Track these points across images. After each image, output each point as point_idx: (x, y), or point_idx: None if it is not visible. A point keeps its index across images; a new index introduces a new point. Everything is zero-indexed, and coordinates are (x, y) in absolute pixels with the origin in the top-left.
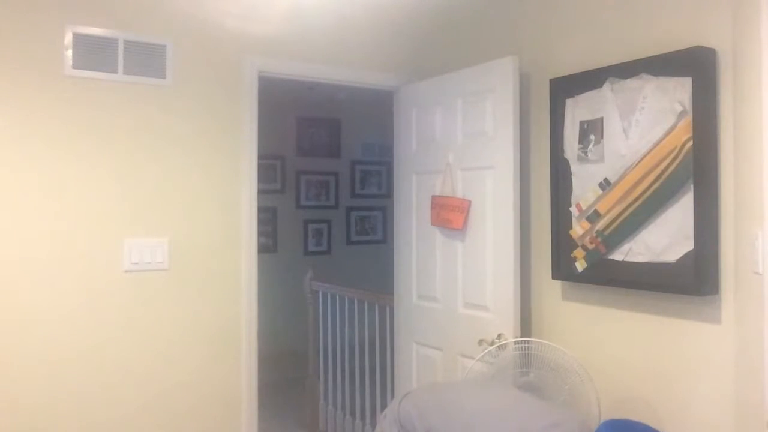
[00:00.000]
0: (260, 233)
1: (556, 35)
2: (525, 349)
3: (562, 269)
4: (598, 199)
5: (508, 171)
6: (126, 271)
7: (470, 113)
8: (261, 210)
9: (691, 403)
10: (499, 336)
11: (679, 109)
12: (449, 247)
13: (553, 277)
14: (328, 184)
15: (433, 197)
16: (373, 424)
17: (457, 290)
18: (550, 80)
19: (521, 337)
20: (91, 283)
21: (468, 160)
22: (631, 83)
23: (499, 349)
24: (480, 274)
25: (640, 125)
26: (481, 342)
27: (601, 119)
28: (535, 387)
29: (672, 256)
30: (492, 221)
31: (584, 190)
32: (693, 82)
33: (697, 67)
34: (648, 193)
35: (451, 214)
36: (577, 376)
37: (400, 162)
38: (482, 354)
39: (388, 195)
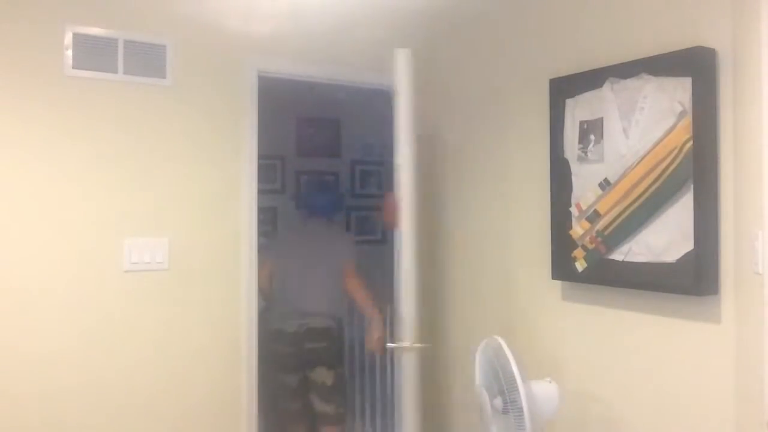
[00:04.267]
0: (260, 233)
1: (556, 35)
2: (486, 346)
3: (561, 269)
4: (598, 199)
5: (406, 168)
6: (126, 271)
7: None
8: (261, 210)
9: (691, 403)
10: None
11: (679, 109)
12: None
13: (553, 277)
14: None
15: (385, 194)
16: (374, 425)
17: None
18: (550, 80)
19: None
20: (91, 283)
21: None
22: (631, 83)
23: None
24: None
25: (640, 125)
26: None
27: (601, 119)
28: (491, 387)
29: (672, 256)
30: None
31: (584, 190)
32: (693, 82)
33: (697, 67)
34: (648, 193)
35: (390, 213)
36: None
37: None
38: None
39: None
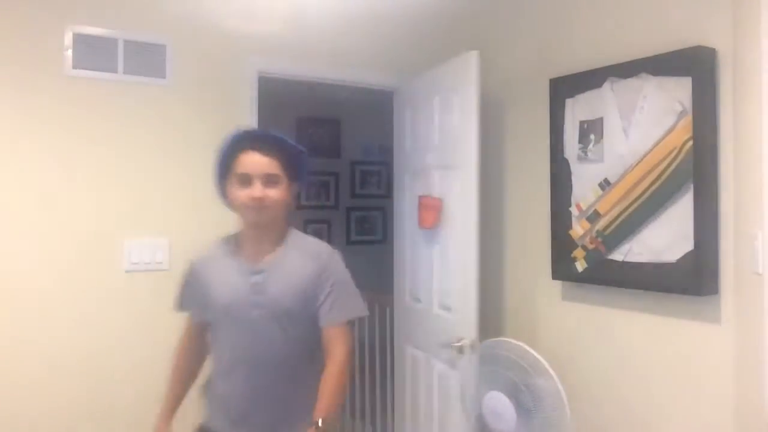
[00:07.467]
0: None
1: (556, 35)
2: (492, 348)
3: (562, 269)
4: (598, 199)
5: (470, 170)
6: (126, 272)
7: (443, 112)
8: None
9: (691, 403)
10: (460, 339)
11: (679, 108)
12: (428, 247)
13: (553, 277)
14: (328, 184)
15: (419, 197)
16: (374, 424)
17: (432, 291)
18: (550, 80)
19: (502, 337)
20: (91, 284)
21: (441, 159)
22: (631, 83)
23: (459, 352)
24: (448, 274)
25: (640, 125)
26: (444, 345)
27: (601, 119)
28: (524, 390)
29: (672, 256)
30: (459, 220)
31: (584, 190)
32: (693, 82)
33: (697, 67)
34: (648, 193)
35: (426, 214)
36: (545, 376)
37: (399, 162)
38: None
39: (388, 195)
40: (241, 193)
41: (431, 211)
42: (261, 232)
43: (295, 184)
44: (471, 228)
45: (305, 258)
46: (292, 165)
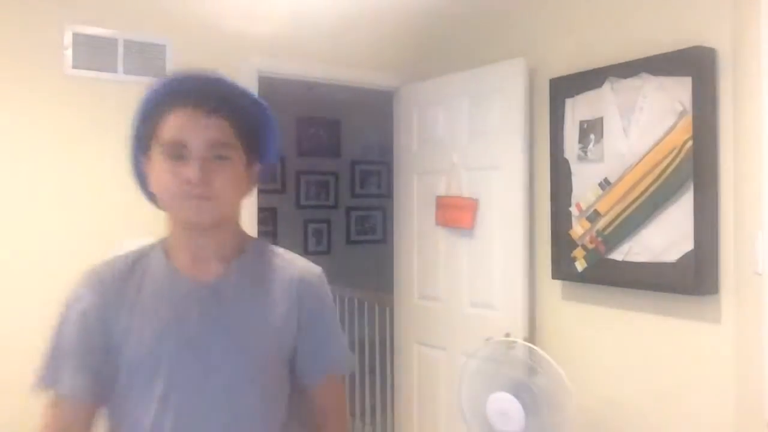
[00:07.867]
0: (260, 233)
1: (556, 35)
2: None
3: (561, 269)
4: (598, 198)
5: (517, 171)
6: None
7: (478, 114)
8: (261, 210)
9: (691, 403)
10: (507, 335)
11: (679, 108)
12: (454, 246)
13: (553, 277)
14: (328, 184)
15: (438, 198)
16: (374, 424)
17: (462, 290)
18: (550, 80)
19: (529, 335)
20: None
21: (475, 160)
22: (631, 83)
23: (507, 347)
24: (488, 273)
25: (640, 125)
26: (488, 340)
27: (601, 119)
28: (529, 389)
29: (672, 255)
30: (501, 221)
31: (584, 190)
32: (693, 81)
33: (697, 67)
34: (648, 193)
35: (458, 214)
36: (557, 384)
37: (401, 162)
38: (481, 351)
39: (388, 195)
40: (170, 175)
41: (465, 211)
42: (204, 238)
43: (258, 163)
44: (518, 227)
45: (282, 280)
46: (254, 131)
